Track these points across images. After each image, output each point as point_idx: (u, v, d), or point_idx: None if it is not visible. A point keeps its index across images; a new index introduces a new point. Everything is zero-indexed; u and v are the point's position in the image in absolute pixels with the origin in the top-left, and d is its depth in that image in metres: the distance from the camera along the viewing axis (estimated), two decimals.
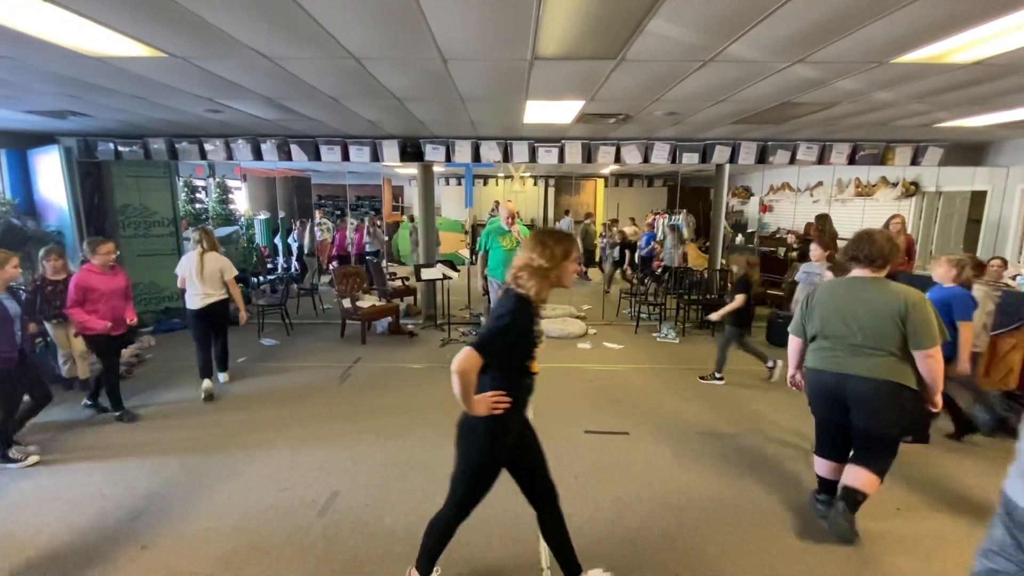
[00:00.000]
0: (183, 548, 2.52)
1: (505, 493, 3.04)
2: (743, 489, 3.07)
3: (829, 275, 4.36)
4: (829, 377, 2.55)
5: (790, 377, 2.91)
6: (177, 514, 2.79)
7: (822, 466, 2.78)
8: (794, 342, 2.82)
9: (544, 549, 2.53)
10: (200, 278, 4.34)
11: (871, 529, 2.70)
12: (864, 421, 2.50)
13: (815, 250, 4.64)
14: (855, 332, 2.47)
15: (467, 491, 2.04)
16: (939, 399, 2.47)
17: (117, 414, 3.94)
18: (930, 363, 2.37)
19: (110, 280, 3.85)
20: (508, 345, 1.86)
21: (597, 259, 11.89)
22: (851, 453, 2.64)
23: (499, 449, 1.99)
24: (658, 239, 9.83)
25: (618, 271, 10.27)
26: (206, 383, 4.44)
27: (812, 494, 2.88)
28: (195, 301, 4.39)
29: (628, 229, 11.13)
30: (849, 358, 2.49)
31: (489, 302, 5.43)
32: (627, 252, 10.32)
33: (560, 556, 2.17)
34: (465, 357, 1.77)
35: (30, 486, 3.07)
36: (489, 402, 1.87)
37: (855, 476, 2.56)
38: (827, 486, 2.78)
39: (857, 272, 2.57)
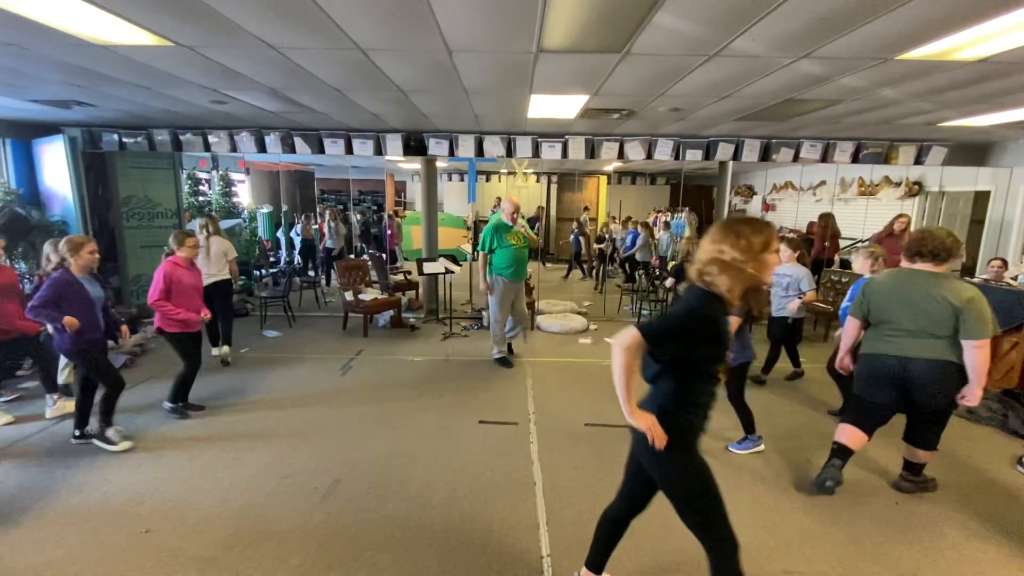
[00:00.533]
0: (186, 532, 2.55)
1: (504, 481, 3.07)
2: (742, 482, 3.09)
3: (800, 272, 4.35)
4: (892, 361, 2.75)
5: (839, 360, 3.10)
6: (181, 499, 2.82)
7: (851, 434, 2.88)
8: (852, 324, 2.99)
9: (544, 536, 2.55)
10: (206, 259, 4.84)
11: (870, 522, 2.72)
12: (927, 399, 2.73)
13: (784, 251, 4.61)
14: (915, 319, 2.68)
15: (708, 518, 1.83)
16: (979, 392, 2.59)
17: (171, 406, 3.88)
18: (977, 353, 2.53)
19: (193, 275, 3.87)
20: (686, 349, 1.65)
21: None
22: (905, 432, 2.95)
23: (696, 456, 1.77)
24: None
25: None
26: (214, 351, 5.09)
27: (827, 466, 2.91)
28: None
29: (612, 227, 11.05)
30: (910, 342, 2.69)
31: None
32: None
33: (597, 550, 2.11)
34: (629, 337, 1.60)
35: (34, 473, 3.10)
36: (650, 424, 1.67)
37: (916, 454, 2.95)
38: (843, 454, 2.89)
39: (920, 266, 2.75)
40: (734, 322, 3.17)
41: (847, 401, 3.60)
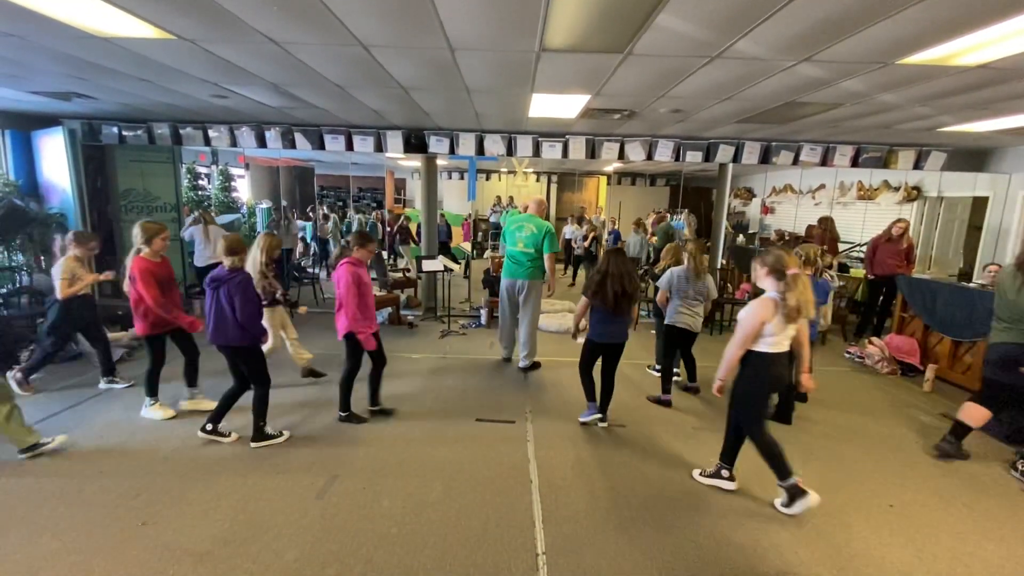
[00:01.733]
0: (182, 525, 2.55)
1: (501, 478, 3.07)
2: (739, 482, 3.10)
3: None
4: (1014, 348, 3.27)
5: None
6: (177, 493, 2.82)
7: (978, 414, 3.38)
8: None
9: (540, 533, 2.56)
10: (208, 244, 6.04)
11: (864, 525, 2.74)
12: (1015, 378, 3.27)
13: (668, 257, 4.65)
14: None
15: None
16: None
17: (343, 415, 3.80)
18: None
19: (367, 274, 3.79)
20: None
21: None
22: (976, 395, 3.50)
23: None
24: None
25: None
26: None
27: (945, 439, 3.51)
28: (201, 260, 6.01)
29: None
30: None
31: (493, 295, 5.22)
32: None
33: None
34: None
35: (32, 463, 3.10)
36: None
37: (969, 412, 3.41)
38: (963, 433, 3.46)
39: None
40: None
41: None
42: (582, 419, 3.84)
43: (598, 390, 3.84)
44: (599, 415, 3.79)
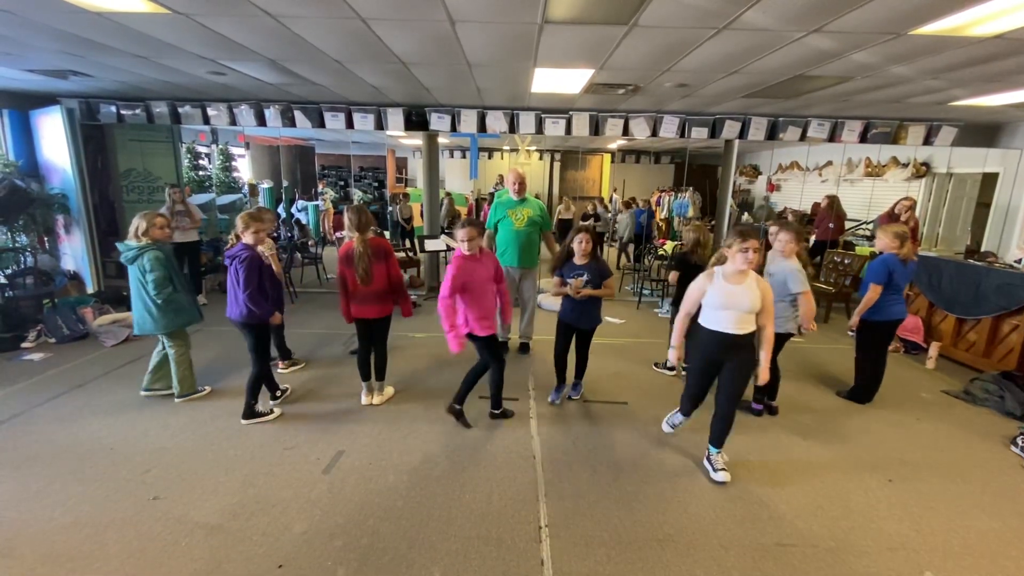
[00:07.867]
0: (192, 499, 2.60)
1: (504, 454, 3.11)
2: (736, 456, 3.13)
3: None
4: None
5: None
6: (186, 468, 2.88)
7: None
8: None
9: (543, 507, 2.60)
10: (193, 222, 6.12)
11: (863, 497, 2.77)
12: None
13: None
14: None
15: None
16: None
17: (495, 412, 3.57)
18: None
19: (485, 266, 3.46)
20: None
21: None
22: None
23: None
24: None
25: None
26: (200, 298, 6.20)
27: None
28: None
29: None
30: None
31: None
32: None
33: None
34: None
35: (42, 443, 3.16)
36: None
37: None
38: None
39: None
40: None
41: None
42: (550, 399, 3.81)
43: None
44: (571, 393, 3.90)
